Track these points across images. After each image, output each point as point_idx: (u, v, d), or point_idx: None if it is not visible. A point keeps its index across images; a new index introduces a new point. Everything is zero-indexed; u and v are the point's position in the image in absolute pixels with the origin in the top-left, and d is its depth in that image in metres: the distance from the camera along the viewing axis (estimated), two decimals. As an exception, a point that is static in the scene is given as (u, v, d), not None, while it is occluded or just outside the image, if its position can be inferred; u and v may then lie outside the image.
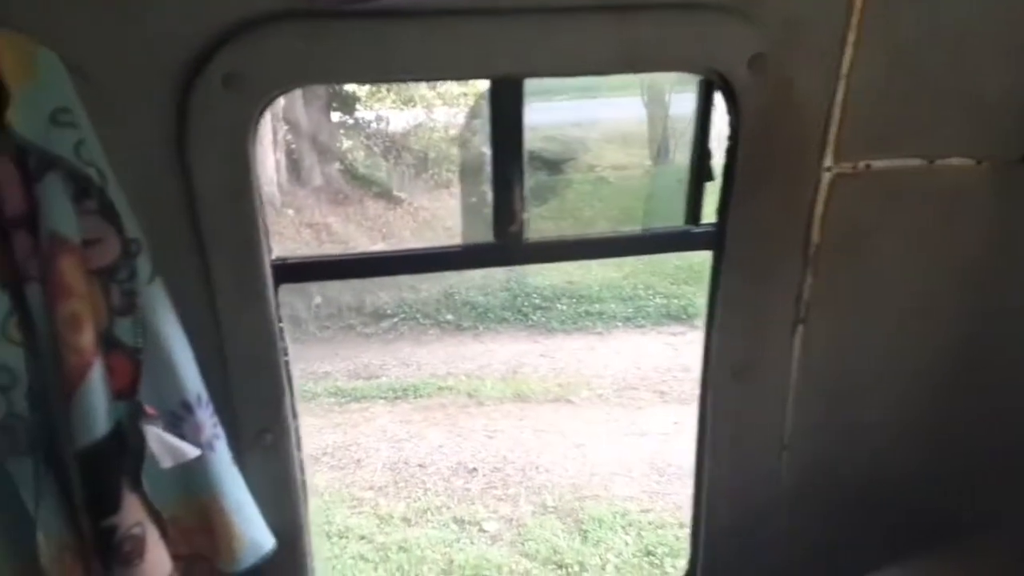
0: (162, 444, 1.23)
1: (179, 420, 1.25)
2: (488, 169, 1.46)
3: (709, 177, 1.51)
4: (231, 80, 1.19)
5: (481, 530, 4.42)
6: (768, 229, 1.49)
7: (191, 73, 1.18)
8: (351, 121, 8.95)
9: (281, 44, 1.19)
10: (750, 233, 1.48)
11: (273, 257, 1.36)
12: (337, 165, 8.74)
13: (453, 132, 8.86)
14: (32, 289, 1.13)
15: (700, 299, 7.04)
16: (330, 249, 7.46)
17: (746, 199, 1.46)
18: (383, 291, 7.25)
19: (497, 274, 7.38)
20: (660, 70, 1.38)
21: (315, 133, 8.51)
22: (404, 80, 1.28)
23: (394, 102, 8.87)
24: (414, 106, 8.84)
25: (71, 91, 1.12)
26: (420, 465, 5.08)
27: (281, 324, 1.39)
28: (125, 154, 1.18)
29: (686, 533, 4.27)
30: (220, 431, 1.30)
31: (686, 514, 4.37)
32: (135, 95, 1.19)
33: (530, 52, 1.27)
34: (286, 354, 1.42)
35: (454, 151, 8.86)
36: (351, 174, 8.69)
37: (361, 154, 8.84)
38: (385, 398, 5.84)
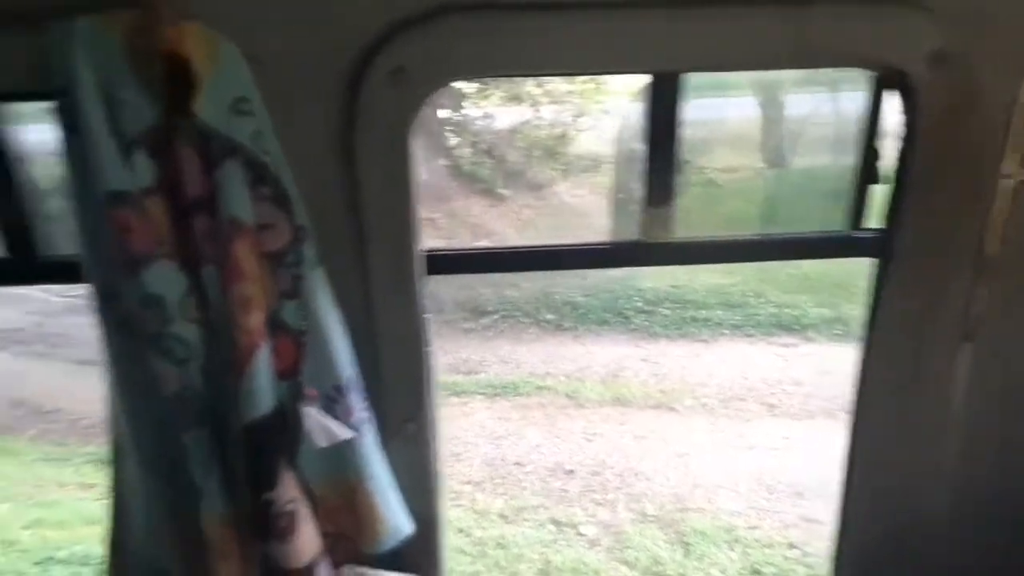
0: (318, 425, 1.27)
1: (332, 402, 1.29)
2: (628, 167, 1.43)
3: (875, 180, 1.42)
4: (398, 73, 1.21)
5: (579, 533, 4.38)
6: (941, 237, 1.39)
7: (360, 66, 1.21)
8: (457, 117, 9.08)
9: (448, 38, 1.20)
10: (921, 241, 1.39)
11: (422, 248, 1.38)
12: (442, 161, 8.89)
13: (558, 130, 8.85)
14: (209, 271, 1.18)
15: (814, 310, 6.76)
16: (435, 245, 7.58)
17: (918, 205, 1.36)
18: (485, 287, 7.31)
19: (599, 274, 7.30)
20: (832, 65, 1.31)
21: (422, 129, 8.68)
22: (566, 74, 1.26)
23: (501, 99, 8.94)
24: (520, 103, 8.88)
25: (250, 81, 1.17)
26: (517, 463, 5.09)
27: (427, 315, 1.41)
28: (292, 143, 1.22)
29: (796, 554, 4.11)
30: (369, 416, 1.33)
31: (796, 534, 4.22)
32: (306, 86, 1.23)
33: (698, 47, 1.23)
34: (429, 345, 1.43)
35: (560, 149, 8.85)
36: (456, 170, 8.83)
37: (467, 151, 8.96)
38: (484, 394, 5.88)
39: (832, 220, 1.50)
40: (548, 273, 7.40)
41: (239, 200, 1.17)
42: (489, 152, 8.90)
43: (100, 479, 5.09)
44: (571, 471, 4.95)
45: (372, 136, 1.24)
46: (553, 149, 8.89)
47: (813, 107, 8.40)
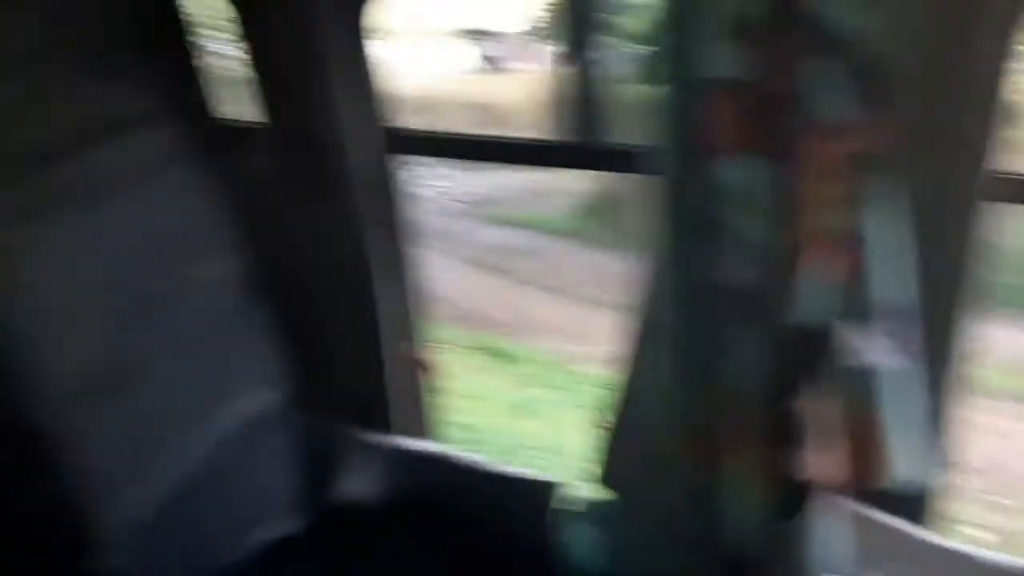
0: (858, 345, 1.21)
1: (879, 326, 1.22)
2: None
3: None
4: None
5: (961, 533, 3.87)
6: None
7: None
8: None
9: None
10: None
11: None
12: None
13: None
14: (785, 167, 1.16)
15: None
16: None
17: None
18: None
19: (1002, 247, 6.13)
20: None
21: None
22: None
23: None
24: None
25: None
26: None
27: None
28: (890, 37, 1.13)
29: None
30: (916, 350, 1.23)
31: None
32: None
33: None
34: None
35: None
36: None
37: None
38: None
39: None
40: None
41: (830, 98, 1.12)
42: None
43: (489, 365, 5.87)
44: (957, 465, 4.35)
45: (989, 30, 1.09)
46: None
47: None
